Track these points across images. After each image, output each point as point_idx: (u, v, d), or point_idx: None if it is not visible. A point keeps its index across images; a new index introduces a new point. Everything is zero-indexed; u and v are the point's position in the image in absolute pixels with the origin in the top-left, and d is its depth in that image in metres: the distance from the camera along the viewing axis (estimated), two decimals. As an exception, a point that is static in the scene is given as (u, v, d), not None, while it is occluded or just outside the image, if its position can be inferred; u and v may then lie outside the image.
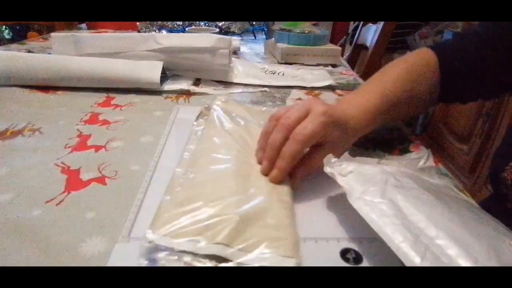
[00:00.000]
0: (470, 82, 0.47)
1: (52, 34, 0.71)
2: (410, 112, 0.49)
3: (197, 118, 0.49)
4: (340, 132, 0.36)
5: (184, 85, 0.65)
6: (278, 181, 0.33)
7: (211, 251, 0.25)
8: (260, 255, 0.25)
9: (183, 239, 0.26)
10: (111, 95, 0.61)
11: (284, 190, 0.33)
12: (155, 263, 0.25)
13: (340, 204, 0.34)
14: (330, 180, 0.32)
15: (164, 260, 0.25)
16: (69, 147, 0.43)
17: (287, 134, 0.33)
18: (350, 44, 1.75)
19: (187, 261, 0.25)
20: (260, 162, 0.35)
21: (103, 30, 1.19)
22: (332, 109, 0.35)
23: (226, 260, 0.25)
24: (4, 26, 1.90)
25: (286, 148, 0.33)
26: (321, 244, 0.29)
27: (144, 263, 0.25)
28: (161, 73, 0.62)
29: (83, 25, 1.29)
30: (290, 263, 0.25)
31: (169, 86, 0.64)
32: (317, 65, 0.87)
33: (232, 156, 0.37)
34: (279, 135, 0.34)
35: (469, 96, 0.50)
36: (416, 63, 0.48)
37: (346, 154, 0.35)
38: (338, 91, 0.69)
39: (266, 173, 0.34)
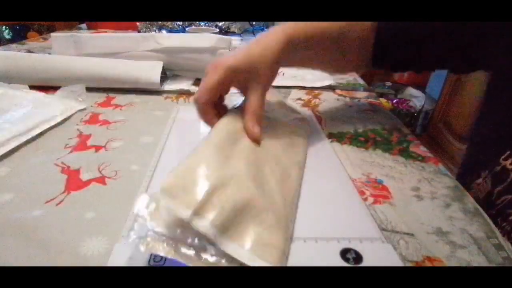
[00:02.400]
0: (403, 47, 0.46)
1: (52, 34, 0.71)
2: (331, 63, 0.49)
3: None
4: (246, 74, 0.38)
5: (184, 85, 0.65)
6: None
7: (205, 231, 0.24)
8: (245, 255, 0.25)
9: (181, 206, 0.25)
10: (111, 95, 0.61)
11: (292, 187, 0.33)
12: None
13: (340, 204, 0.34)
14: (330, 180, 0.32)
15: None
16: (69, 147, 0.43)
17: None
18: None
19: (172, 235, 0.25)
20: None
21: (103, 30, 1.19)
22: (226, 61, 0.37)
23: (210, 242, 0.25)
24: (4, 26, 1.90)
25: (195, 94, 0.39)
26: (321, 244, 0.29)
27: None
28: (161, 73, 0.62)
29: (83, 25, 1.29)
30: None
31: (169, 86, 0.64)
32: (317, 65, 0.87)
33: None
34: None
35: (400, 63, 0.49)
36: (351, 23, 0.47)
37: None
38: (338, 91, 0.69)
39: None
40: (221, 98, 0.41)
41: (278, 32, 0.40)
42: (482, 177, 0.40)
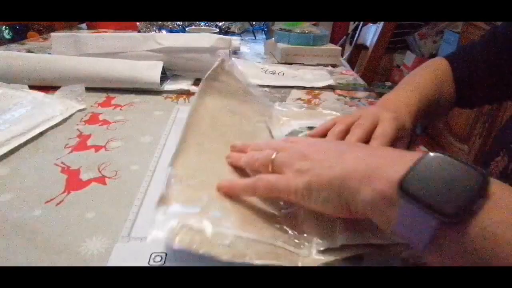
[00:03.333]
0: (478, 88, 0.49)
1: (52, 34, 0.71)
2: (437, 115, 0.53)
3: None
4: (401, 133, 0.39)
5: (184, 85, 0.65)
6: None
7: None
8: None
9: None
10: (111, 95, 0.61)
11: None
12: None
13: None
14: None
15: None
16: (69, 147, 0.43)
17: (363, 136, 0.36)
18: (350, 44, 1.75)
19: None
20: None
21: (103, 30, 1.19)
22: (396, 114, 0.39)
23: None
24: (4, 26, 1.90)
25: (376, 146, 0.36)
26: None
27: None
28: (161, 73, 0.62)
29: (83, 25, 1.29)
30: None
31: (169, 86, 0.64)
32: (317, 65, 0.87)
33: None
34: (355, 137, 0.36)
35: (477, 101, 0.53)
36: (438, 68, 0.51)
37: None
38: (338, 91, 0.69)
39: None
40: None
41: (410, 101, 0.44)
42: (501, 155, 0.42)
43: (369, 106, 0.60)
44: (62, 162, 0.39)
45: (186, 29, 1.10)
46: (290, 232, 0.28)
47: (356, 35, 1.42)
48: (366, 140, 0.36)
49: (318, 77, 0.76)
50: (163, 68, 0.64)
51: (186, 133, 0.35)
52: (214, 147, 0.36)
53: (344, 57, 1.36)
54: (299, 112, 0.53)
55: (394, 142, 0.37)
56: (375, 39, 1.18)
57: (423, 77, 0.49)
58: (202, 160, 0.34)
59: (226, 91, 0.46)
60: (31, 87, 0.59)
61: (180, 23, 1.19)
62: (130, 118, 0.52)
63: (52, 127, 0.47)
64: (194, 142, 0.35)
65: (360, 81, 0.77)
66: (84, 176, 0.37)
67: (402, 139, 0.39)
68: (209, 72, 0.46)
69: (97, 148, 0.43)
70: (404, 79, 0.50)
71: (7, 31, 1.93)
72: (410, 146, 0.42)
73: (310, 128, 0.44)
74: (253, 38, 1.22)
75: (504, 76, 0.47)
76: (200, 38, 0.69)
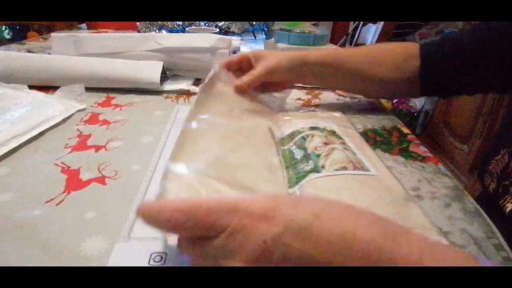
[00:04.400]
0: (452, 74, 0.47)
1: (52, 34, 0.71)
2: (362, 90, 0.56)
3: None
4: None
5: (184, 85, 0.65)
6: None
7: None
8: None
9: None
10: (111, 95, 0.61)
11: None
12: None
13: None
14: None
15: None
16: (69, 147, 0.43)
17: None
18: (350, 44, 1.75)
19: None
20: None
21: (103, 30, 1.19)
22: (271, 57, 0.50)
23: None
24: (4, 26, 1.90)
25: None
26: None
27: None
28: (161, 73, 0.62)
29: (83, 25, 1.29)
30: None
31: (169, 86, 0.64)
32: (317, 65, 0.87)
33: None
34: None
35: (450, 90, 0.50)
36: (385, 47, 0.51)
37: None
38: (338, 91, 0.69)
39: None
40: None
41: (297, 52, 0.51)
42: (501, 154, 0.42)
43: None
44: (62, 162, 0.39)
45: (186, 29, 1.10)
46: None
47: (356, 35, 1.42)
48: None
49: (318, 77, 0.76)
50: (163, 68, 0.64)
51: (183, 134, 0.36)
52: (211, 142, 0.36)
53: (344, 57, 1.36)
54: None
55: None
56: (375, 39, 1.18)
57: (352, 50, 0.53)
58: (199, 155, 0.34)
59: (226, 99, 0.46)
60: (31, 87, 0.59)
61: (180, 23, 1.19)
62: (130, 118, 0.52)
63: (52, 127, 0.47)
64: (190, 140, 0.35)
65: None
66: (84, 176, 0.37)
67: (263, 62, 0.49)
68: (205, 82, 0.46)
69: (97, 148, 0.43)
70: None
71: (7, 31, 1.93)
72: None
73: (312, 128, 0.44)
74: (253, 38, 1.22)
75: (482, 66, 0.45)
76: (200, 38, 0.69)
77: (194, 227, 0.20)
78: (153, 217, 0.21)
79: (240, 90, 0.46)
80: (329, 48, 0.51)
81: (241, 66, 0.52)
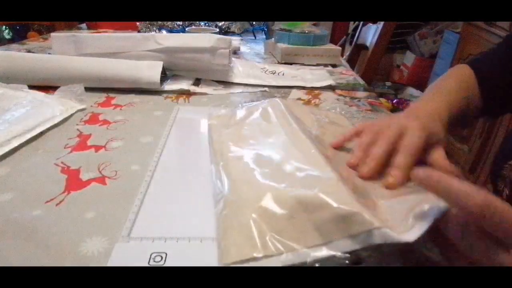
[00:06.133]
0: (502, 95, 0.48)
1: (52, 34, 0.71)
2: (466, 122, 0.52)
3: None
4: (432, 142, 0.38)
5: (184, 85, 0.65)
6: (395, 188, 0.33)
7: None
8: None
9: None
10: (111, 95, 0.61)
11: None
12: None
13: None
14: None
15: None
16: (69, 147, 0.43)
17: (389, 148, 0.35)
18: (350, 44, 1.75)
19: None
20: (362, 176, 0.35)
21: (103, 30, 1.19)
22: (425, 123, 0.38)
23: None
24: (4, 26, 1.90)
25: (400, 159, 0.34)
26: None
27: None
28: (161, 73, 0.62)
29: (83, 25, 1.29)
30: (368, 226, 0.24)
31: (169, 86, 0.64)
32: (317, 65, 0.87)
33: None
34: (382, 148, 0.35)
35: (501, 109, 0.52)
36: (463, 74, 0.50)
37: None
38: (338, 91, 0.69)
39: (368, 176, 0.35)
40: None
41: (439, 114, 0.42)
42: None
43: (395, 114, 0.51)
44: (62, 162, 0.39)
45: (186, 29, 1.10)
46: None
47: (356, 35, 1.42)
48: (391, 151, 0.35)
49: (318, 77, 0.76)
50: (163, 68, 0.64)
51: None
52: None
53: (344, 57, 1.36)
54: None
55: (425, 151, 0.36)
56: (375, 39, 1.18)
57: (449, 84, 0.47)
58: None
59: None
60: (31, 87, 0.59)
61: (180, 23, 1.19)
62: (130, 118, 0.52)
63: (52, 127, 0.47)
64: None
65: (360, 81, 0.77)
66: (84, 176, 0.37)
67: (436, 147, 0.37)
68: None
69: (97, 148, 0.43)
70: (430, 86, 0.48)
71: (7, 31, 1.93)
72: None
73: None
74: (253, 38, 1.22)
75: None
76: (200, 38, 0.69)
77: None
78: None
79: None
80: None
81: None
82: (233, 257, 0.25)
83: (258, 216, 0.28)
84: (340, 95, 0.67)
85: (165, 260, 0.27)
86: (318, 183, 0.29)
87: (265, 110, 0.46)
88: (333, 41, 1.12)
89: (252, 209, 0.28)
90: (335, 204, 0.26)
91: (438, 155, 0.36)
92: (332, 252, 0.25)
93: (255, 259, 0.25)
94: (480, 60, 0.52)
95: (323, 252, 0.25)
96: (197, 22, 1.17)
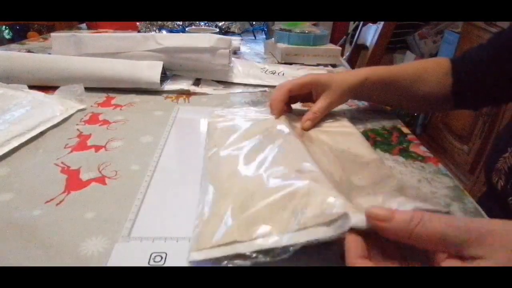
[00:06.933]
0: (482, 87, 0.48)
1: (52, 34, 0.71)
2: (406, 105, 0.55)
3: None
4: (323, 86, 0.48)
5: (184, 85, 0.65)
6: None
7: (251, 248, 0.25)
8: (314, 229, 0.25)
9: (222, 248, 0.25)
10: (111, 95, 0.61)
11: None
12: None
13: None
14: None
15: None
16: (69, 147, 0.43)
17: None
18: (350, 44, 1.75)
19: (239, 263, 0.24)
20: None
21: (103, 30, 1.19)
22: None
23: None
24: (4, 26, 1.90)
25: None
26: (321, 243, 0.29)
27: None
28: (161, 73, 0.62)
29: (83, 25, 1.29)
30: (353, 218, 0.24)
31: (169, 86, 0.64)
32: (317, 65, 0.87)
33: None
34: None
35: (481, 102, 0.52)
36: (428, 61, 0.52)
37: None
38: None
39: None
40: (290, 101, 0.51)
41: (360, 70, 0.50)
42: (509, 151, 0.43)
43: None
44: (62, 162, 0.39)
45: (186, 29, 1.10)
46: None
47: (356, 35, 1.42)
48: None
49: (318, 77, 0.76)
50: (163, 68, 0.64)
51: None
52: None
53: (344, 57, 1.36)
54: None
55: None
56: (375, 39, 1.18)
57: (397, 67, 0.51)
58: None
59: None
60: (31, 87, 0.59)
61: (180, 23, 1.19)
62: (130, 118, 0.52)
63: (52, 127, 0.47)
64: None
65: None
66: (84, 176, 0.37)
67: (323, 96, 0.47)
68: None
69: (97, 148, 0.43)
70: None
71: (7, 31, 1.93)
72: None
73: None
74: (253, 38, 1.22)
75: (508, 78, 0.46)
76: (200, 38, 0.69)
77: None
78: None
79: (307, 129, 0.45)
80: (382, 67, 0.50)
81: (300, 93, 0.49)
82: (205, 244, 0.25)
83: (236, 206, 0.28)
84: (340, 95, 0.67)
85: (165, 260, 0.27)
86: (302, 176, 0.30)
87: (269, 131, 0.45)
88: (333, 41, 1.12)
89: (229, 201, 0.29)
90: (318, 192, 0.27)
91: (318, 104, 0.47)
92: (304, 239, 0.24)
93: (232, 243, 0.25)
94: (462, 54, 0.52)
95: (298, 237, 0.25)
96: (197, 22, 1.17)
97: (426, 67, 0.51)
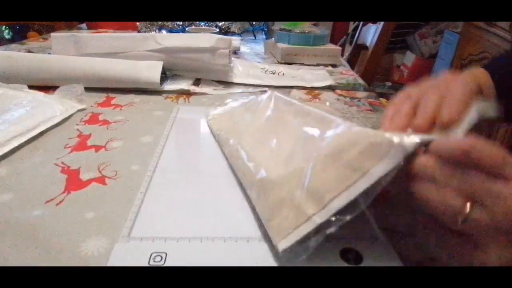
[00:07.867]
0: None
1: (52, 34, 0.71)
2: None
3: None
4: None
5: (184, 85, 0.65)
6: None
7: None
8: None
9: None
10: (111, 95, 0.61)
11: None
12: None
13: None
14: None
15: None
16: (69, 147, 0.43)
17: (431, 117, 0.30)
18: (350, 44, 1.75)
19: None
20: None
21: (103, 30, 1.19)
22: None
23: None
24: (4, 26, 1.90)
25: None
26: (321, 243, 0.29)
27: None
28: (161, 73, 0.62)
29: (83, 25, 1.29)
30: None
31: (169, 86, 0.64)
32: (317, 65, 0.87)
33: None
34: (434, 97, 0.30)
35: None
36: (475, 73, 0.46)
37: None
38: (338, 91, 0.69)
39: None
40: None
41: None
42: None
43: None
44: (62, 162, 0.39)
45: (186, 29, 1.10)
46: None
47: (356, 35, 1.42)
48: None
49: (318, 77, 0.76)
50: (163, 68, 0.64)
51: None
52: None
53: (344, 57, 1.36)
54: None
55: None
56: (375, 39, 1.18)
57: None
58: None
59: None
60: (31, 87, 0.59)
61: (180, 23, 1.19)
62: (130, 118, 0.52)
63: (52, 127, 0.47)
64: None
65: (360, 81, 0.77)
66: (84, 176, 0.37)
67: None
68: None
69: (97, 148, 0.43)
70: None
71: (7, 31, 1.93)
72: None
73: None
74: (253, 38, 1.22)
75: None
76: (200, 38, 0.69)
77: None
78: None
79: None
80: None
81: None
82: (287, 230, 0.26)
83: (292, 186, 0.28)
84: (340, 95, 0.67)
85: (165, 260, 0.27)
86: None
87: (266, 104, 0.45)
88: (333, 41, 1.12)
89: (286, 184, 0.29)
90: (364, 135, 0.26)
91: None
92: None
93: (309, 218, 0.25)
94: (493, 62, 0.45)
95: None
96: (197, 22, 1.17)
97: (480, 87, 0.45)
